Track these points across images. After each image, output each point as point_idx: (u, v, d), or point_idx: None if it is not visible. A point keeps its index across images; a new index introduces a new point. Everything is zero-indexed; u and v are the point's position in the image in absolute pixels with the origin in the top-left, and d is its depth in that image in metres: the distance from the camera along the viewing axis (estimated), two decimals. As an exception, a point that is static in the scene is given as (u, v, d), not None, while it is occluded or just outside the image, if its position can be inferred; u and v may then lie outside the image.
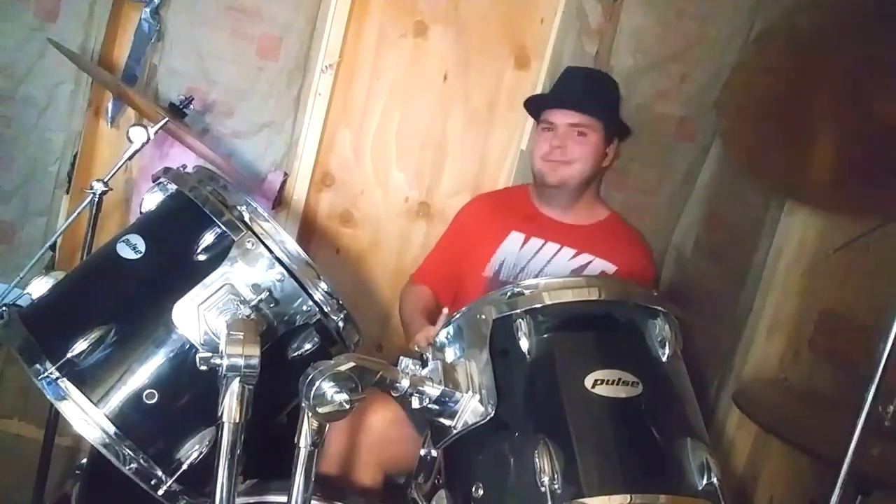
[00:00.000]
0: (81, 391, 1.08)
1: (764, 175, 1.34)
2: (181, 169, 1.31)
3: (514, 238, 1.92)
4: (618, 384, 1.04)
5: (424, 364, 1.09)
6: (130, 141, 1.79)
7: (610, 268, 1.89)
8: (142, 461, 1.08)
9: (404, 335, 1.91)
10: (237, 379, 0.99)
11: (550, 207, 1.95)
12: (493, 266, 1.90)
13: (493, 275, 1.90)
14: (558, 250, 1.90)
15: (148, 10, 2.18)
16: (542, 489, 0.96)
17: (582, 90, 1.94)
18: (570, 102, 1.88)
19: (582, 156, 1.86)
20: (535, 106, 2.02)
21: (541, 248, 1.90)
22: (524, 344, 1.06)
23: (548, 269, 1.89)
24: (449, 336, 1.16)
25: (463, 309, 1.16)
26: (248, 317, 1.09)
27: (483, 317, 1.11)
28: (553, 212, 1.95)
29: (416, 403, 1.05)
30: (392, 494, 1.62)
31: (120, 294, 1.20)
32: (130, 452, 1.08)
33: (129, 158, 1.83)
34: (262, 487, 1.35)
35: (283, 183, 2.31)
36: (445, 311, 1.38)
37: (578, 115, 1.86)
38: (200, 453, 1.09)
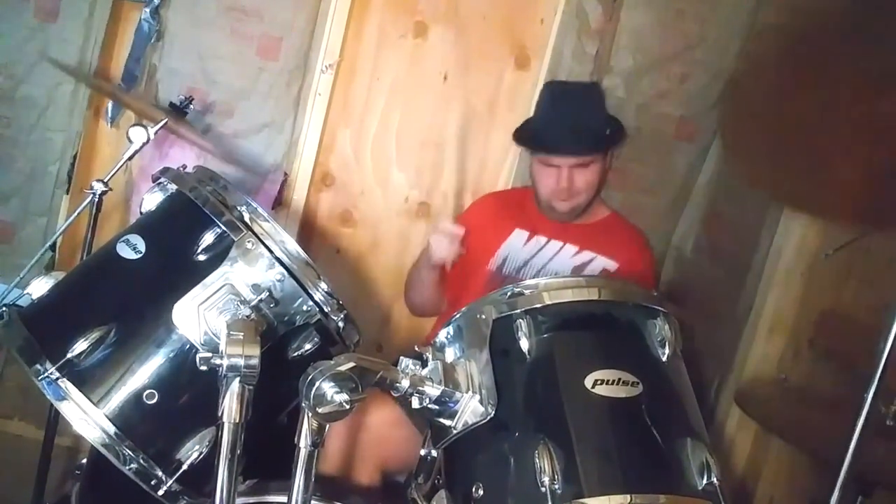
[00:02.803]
0: (81, 391, 1.08)
1: (765, 184, 1.33)
2: (181, 169, 1.31)
3: (518, 235, 1.94)
4: (618, 384, 1.04)
5: (424, 364, 1.09)
6: (130, 141, 1.79)
7: (612, 265, 1.90)
8: (142, 461, 1.08)
9: (409, 297, 2.03)
10: (237, 379, 0.99)
11: (554, 216, 1.94)
12: (496, 260, 1.93)
13: (497, 269, 1.93)
14: (560, 248, 1.92)
15: (148, 10, 2.18)
16: (543, 489, 0.96)
17: (572, 127, 1.86)
18: (567, 149, 1.83)
19: (589, 185, 1.85)
20: (527, 144, 1.97)
21: (544, 245, 1.92)
22: (524, 344, 1.06)
23: (550, 265, 1.91)
24: (449, 336, 1.16)
25: (463, 309, 1.16)
26: (248, 317, 1.09)
27: (483, 317, 1.11)
28: (557, 219, 1.95)
29: (416, 403, 1.05)
30: (392, 494, 1.63)
31: (120, 294, 1.20)
32: (130, 452, 1.08)
33: (129, 158, 1.83)
34: (262, 487, 1.35)
35: (283, 183, 2.31)
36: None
37: (577, 157, 1.82)
38: (200, 453, 1.09)
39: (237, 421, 0.99)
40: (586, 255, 1.90)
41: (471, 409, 1.05)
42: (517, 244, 1.93)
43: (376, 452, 1.61)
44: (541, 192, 1.90)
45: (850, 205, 1.12)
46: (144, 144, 1.79)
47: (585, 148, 1.83)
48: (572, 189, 1.84)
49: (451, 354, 1.14)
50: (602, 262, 1.90)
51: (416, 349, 1.16)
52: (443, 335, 1.17)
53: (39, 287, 1.22)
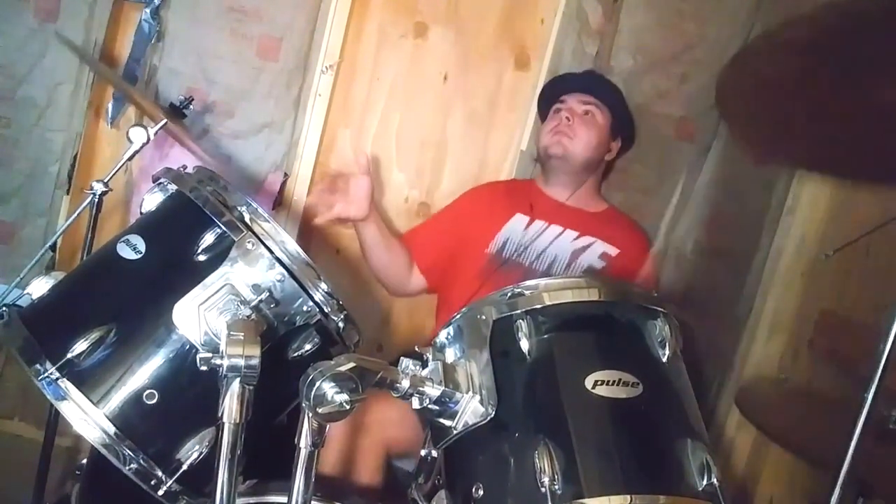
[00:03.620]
0: (81, 391, 1.08)
1: (770, 149, 1.30)
2: (181, 169, 1.31)
3: (519, 219, 1.99)
4: (618, 385, 1.04)
5: (424, 364, 1.09)
6: (130, 141, 1.79)
7: (612, 250, 1.95)
8: (142, 461, 1.08)
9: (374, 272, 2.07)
10: (237, 379, 0.99)
11: (554, 188, 2.02)
12: (496, 243, 1.97)
13: (496, 252, 1.96)
14: (561, 232, 1.96)
15: (148, 10, 2.18)
16: (543, 490, 0.96)
17: (594, 80, 2.08)
18: (582, 87, 2.02)
19: (587, 135, 1.97)
20: (553, 93, 2.10)
21: (544, 230, 1.97)
22: (524, 344, 1.06)
23: (550, 249, 1.94)
24: (449, 336, 1.16)
25: (463, 309, 1.16)
26: (248, 317, 1.09)
27: (483, 317, 1.12)
28: (556, 193, 2.02)
29: (416, 404, 1.05)
30: (392, 494, 1.63)
31: (120, 294, 1.20)
32: (130, 452, 1.08)
33: (130, 159, 1.83)
34: (262, 488, 1.36)
35: (283, 183, 2.31)
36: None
37: (588, 96, 1.98)
38: (200, 453, 1.09)
39: (237, 421, 0.99)
40: (586, 239, 1.95)
41: (471, 410, 1.05)
42: (518, 228, 1.97)
43: (379, 442, 1.61)
44: (542, 138, 2.02)
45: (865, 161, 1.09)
46: (144, 145, 1.79)
47: (597, 90, 2.01)
48: (572, 129, 1.95)
49: (451, 355, 1.14)
50: (602, 247, 1.95)
51: (417, 349, 1.16)
52: (443, 335, 1.17)
53: (39, 287, 1.22)
